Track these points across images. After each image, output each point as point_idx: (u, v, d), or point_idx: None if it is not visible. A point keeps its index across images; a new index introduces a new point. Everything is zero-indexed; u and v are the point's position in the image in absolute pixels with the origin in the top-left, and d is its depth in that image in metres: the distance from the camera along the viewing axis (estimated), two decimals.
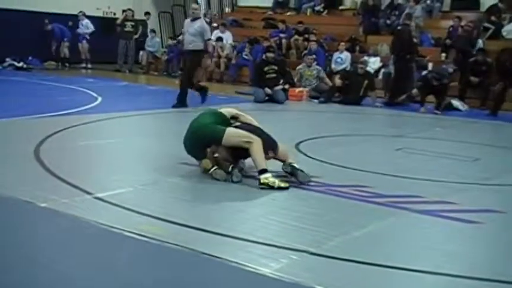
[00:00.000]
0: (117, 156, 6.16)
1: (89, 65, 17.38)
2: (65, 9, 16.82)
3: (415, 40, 12.64)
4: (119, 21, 17.00)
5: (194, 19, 9.90)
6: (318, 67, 12.94)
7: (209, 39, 10.08)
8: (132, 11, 17.44)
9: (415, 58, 12.25)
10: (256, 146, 4.95)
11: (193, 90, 10.38)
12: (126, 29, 17.03)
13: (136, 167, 5.67)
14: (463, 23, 13.64)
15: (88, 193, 4.45)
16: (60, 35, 16.85)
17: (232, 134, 5.06)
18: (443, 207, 4.57)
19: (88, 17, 17.06)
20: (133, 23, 17.15)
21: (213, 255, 3.32)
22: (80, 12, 17.16)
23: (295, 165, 5.16)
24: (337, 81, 11.94)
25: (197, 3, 10.40)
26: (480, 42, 13.02)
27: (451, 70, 12.70)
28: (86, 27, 17.22)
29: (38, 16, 16.52)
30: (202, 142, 5.18)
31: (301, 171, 5.12)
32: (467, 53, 12.76)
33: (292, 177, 5.12)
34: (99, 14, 18.12)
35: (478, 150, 7.36)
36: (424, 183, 5.38)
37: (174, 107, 9.86)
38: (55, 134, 6.79)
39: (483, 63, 12.21)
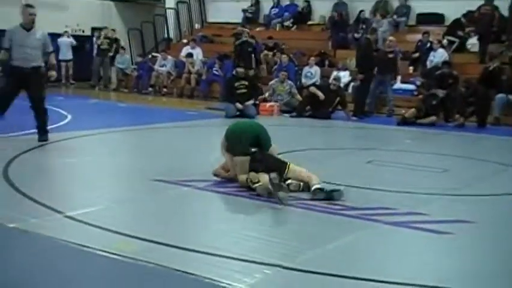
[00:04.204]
0: (87, 175, 6.09)
1: (72, 82, 17.50)
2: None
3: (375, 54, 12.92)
4: (99, 42, 17.11)
5: (31, 28, 7.65)
6: (290, 82, 13.07)
7: (53, 52, 8.04)
8: (111, 29, 17.54)
9: (373, 72, 12.48)
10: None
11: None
12: (102, 47, 17.03)
13: (107, 185, 5.62)
14: (483, 8, 13.81)
15: (58, 212, 4.39)
16: None
17: (274, 149, 5.70)
18: (415, 218, 4.63)
19: (58, 35, 16.93)
20: (108, 41, 17.17)
21: (187, 272, 3.30)
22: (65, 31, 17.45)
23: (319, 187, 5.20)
24: (320, 94, 11.98)
25: (34, 7, 7.78)
26: None
27: (418, 83, 12.98)
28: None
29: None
30: (254, 138, 5.59)
31: (334, 191, 5.18)
32: (487, 37, 13.25)
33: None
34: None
35: (446, 162, 7.48)
36: (394, 195, 5.45)
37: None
38: (24, 153, 6.69)
39: (449, 76, 12.45)
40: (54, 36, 16.99)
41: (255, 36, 16.06)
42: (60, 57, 17.36)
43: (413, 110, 11.58)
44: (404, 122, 11.34)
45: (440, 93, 11.77)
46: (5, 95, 7.74)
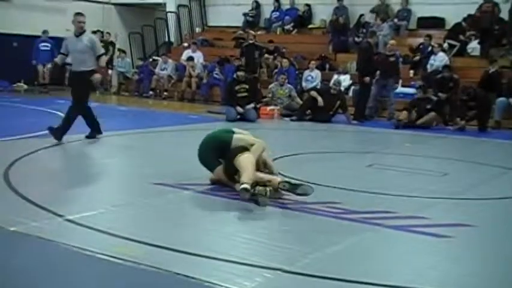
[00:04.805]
0: (88, 178, 6.09)
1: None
2: (33, 30, 16.64)
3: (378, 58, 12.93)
4: None
5: (80, 34, 8.20)
6: (290, 86, 13.09)
7: (102, 55, 8.40)
8: (102, 32, 17.45)
9: (374, 76, 12.50)
10: (254, 151, 5.33)
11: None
12: None
13: (107, 188, 5.63)
14: (485, 6, 13.91)
15: (59, 215, 4.39)
16: (48, 56, 16.30)
17: (240, 138, 5.49)
18: (415, 222, 4.63)
19: (57, 38, 16.88)
20: (103, 44, 17.12)
21: (187, 276, 3.30)
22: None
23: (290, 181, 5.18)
24: (320, 100, 11.96)
25: (83, 15, 8.37)
26: None
27: (417, 85, 13.01)
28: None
29: (4, 38, 16.33)
30: (212, 149, 5.53)
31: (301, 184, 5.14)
32: (490, 32, 13.36)
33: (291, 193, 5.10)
34: (69, 35, 17.98)
35: (446, 165, 7.49)
36: (395, 198, 5.45)
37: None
38: (25, 157, 6.69)
39: (450, 80, 12.47)
40: (59, 40, 17.03)
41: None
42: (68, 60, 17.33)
43: (404, 112, 11.61)
44: (400, 125, 11.36)
45: (435, 97, 11.81)
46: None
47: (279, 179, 5.28)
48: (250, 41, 15.05)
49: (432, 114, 11.53)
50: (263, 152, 5.54)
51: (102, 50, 8.46)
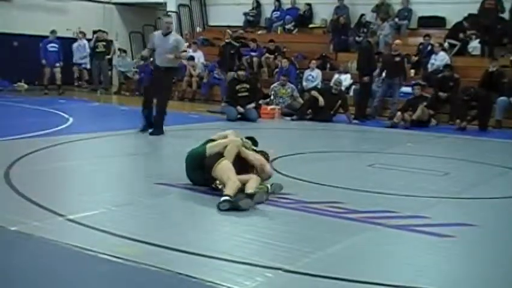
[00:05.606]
0: (89, 178, 6.09)
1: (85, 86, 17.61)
2: (35, 30, 16.63)
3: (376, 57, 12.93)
4: (91, 44, 17.08)
5: (167, 33, 8.84)
6: (292, 86, 13.10)
7: (185, 51, 9.14)
8: (104, 32, 17.47)
9: (374, 75, 12.53)
10: (229, 154, 5.21)
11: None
12: (97, 50, 17.02)
13: (109, 188, 5.63)
14: (487, 3, 13.87)
15: (60, 215, 4.39)
16: (56, 56, 16.21)
17: (213, 145, 5.36)
18: (416, 221, 4.63)
19: (58, 38, 16.90)
20: (104, 43, 17.14)
21: (188, 275, 3.30)
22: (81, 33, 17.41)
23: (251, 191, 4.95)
24: (320, 100, 11.95)
25: (170, 16, 9.28)
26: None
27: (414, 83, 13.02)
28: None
29: (5, 37, 16.34)
30: (194, 168, 5.41)
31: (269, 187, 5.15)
32: (494, 29, 13.37)
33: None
34: (69, 34, 18.02)
35: (448, 165, 7.48)
36: (396, 198, 5.44)
37: (151, 133, 8.90)
38: (25, 156, 6.69)
39: (451, 79, 12.46)
40: (63, 41, 17.06)
41: (253, 39, 16.13)
42: (75, 61, 17.49)
43: (399, 113, 11.60)
44: (396, 125, 11.38)
45: (433, 95, 11.85)
46: (148, 91, 9.15)
47: (255, 182, 5.11)
48: (227, 40, 15.23)
49: (423, 104, 11.54)
50: (241, 149, 5.34)
51: (184, 47, 9.00)
